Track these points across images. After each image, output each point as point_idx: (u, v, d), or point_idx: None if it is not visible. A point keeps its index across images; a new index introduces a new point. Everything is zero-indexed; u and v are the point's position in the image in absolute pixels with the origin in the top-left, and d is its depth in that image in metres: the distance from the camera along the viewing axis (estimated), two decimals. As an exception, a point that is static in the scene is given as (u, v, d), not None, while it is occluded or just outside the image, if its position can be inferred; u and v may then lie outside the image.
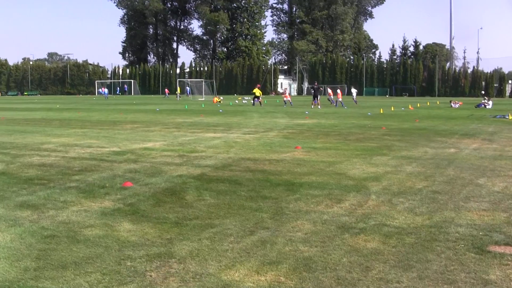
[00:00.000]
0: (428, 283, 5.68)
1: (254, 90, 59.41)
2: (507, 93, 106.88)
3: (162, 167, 13.43)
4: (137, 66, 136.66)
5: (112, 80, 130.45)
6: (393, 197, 9.83)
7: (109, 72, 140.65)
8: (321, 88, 55.88)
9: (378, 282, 5.71)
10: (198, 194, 10.14)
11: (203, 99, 77.82)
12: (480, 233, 7.54)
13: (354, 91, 63.91)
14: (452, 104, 55.62)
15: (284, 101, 57.36)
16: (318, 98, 52.41)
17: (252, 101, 59.18)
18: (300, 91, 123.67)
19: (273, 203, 9.37)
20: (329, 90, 61.13)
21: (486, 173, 12.58)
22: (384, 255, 6.58)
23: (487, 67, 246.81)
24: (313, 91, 54.00)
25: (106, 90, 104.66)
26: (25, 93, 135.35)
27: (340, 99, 54.31)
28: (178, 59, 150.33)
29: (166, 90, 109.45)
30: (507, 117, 34.60)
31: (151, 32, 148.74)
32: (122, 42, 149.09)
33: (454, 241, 7.16)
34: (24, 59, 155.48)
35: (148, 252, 6.68)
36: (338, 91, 55.55)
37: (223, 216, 8.49)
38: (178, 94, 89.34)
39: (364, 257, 6.50)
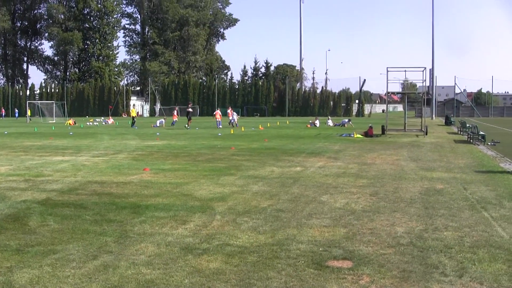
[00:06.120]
0: (267, 300, 5.82)
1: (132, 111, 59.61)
2: (354, 112, 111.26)
3: (6, 192, 12.96)
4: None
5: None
6: (237, 217, 10.00)
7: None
8: (190, 110, 55.05)
9: (218, 302, 5.79)
10: (42, 220, 9.88)
11: (54, 121, 75.60)
12: (320, 248, 7.82)
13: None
14: (315, 122, 55.79)
15: (230, 121, 55.44)
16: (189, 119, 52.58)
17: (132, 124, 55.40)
18: (152, 112, 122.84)
19: (118, 226, 9.29)
20: (228, 111, 60.84)
21: (329, 190, 13.07)
22: (226, 274, 6.69)
23: (335, 87, 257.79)
24: (187, 113, 54.23)
25: None
26: None
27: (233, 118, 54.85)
28: (29, 79, 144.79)
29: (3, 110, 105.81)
30: (352, 135, 36.05)
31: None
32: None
33: (295, 258, 7.38)
34: None
35: (-15, 282, 6.42)
36: (229, 111, 55.62)
37: (66, 241, 8.33)
38: (28, 116, 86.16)
39: (206, 277, 6.58)
